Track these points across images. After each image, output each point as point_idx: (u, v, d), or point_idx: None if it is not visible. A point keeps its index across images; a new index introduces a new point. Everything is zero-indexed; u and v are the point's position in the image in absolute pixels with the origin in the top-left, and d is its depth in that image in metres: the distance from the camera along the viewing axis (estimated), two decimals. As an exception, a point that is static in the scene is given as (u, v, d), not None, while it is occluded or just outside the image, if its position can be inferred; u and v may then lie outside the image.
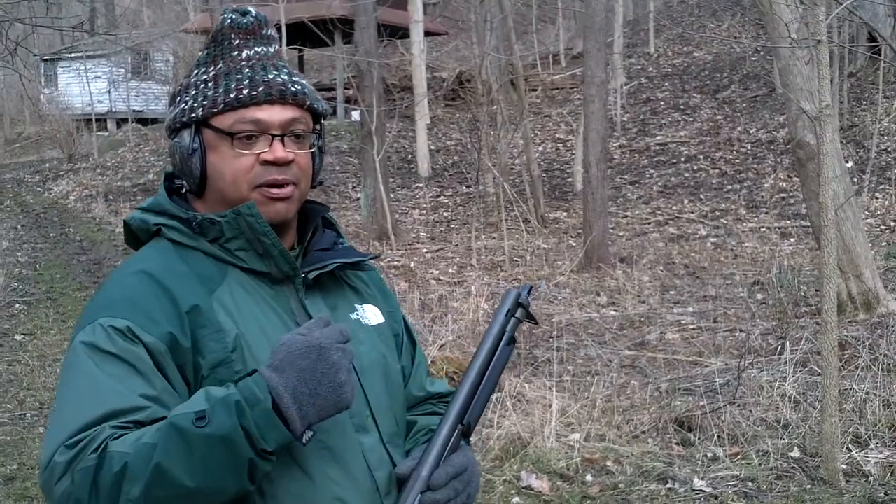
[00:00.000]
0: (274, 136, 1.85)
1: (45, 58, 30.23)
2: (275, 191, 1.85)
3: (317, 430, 1.68)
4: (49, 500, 1.67)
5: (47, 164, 25.27)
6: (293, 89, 1.88)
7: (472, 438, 6.47)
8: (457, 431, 1.88)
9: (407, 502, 1.81)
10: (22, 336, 10.12)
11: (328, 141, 24.16)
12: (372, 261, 2.10)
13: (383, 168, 15.96)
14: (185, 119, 1.87)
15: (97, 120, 27.54)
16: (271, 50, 1.93)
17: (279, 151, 1.85)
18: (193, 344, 1.76)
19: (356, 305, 2.01)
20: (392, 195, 17.78)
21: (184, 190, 1.94)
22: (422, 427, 2.06)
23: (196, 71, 1.92)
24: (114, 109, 30.28)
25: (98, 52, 28.40)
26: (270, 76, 1.87)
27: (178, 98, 1.91)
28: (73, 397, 1.70)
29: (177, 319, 1.76)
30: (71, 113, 27.57)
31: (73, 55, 29.75)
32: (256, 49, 1.91)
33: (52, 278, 13.19)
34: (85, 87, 27.33)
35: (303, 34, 21.96)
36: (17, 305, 11.58)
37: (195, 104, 1.87)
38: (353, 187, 19.79)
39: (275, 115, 1.85)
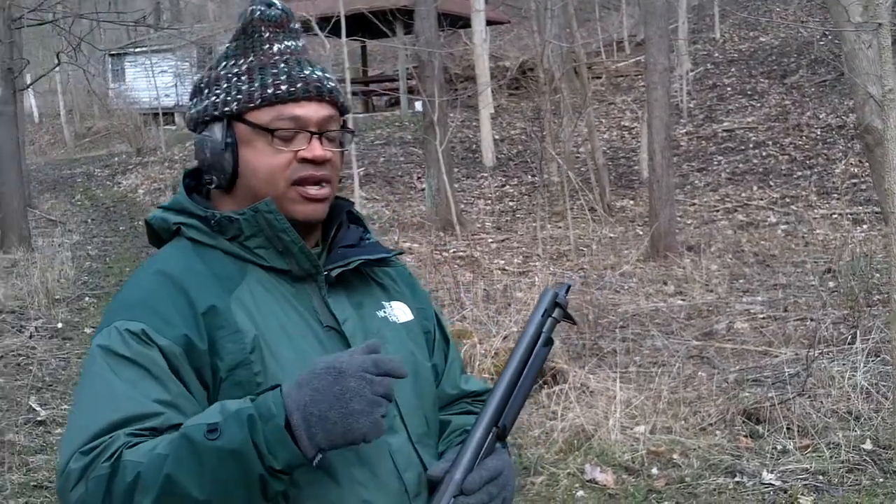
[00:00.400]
0: (312, 133, 1.82)
1: (112, 53, 30.59)
2: (313, 191, 1.83)
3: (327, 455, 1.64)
4: None
5: (116, 159, 25.61)
6: (328, 86, 1.85)
7: (536, 431, 6.43)
8: (492, 434, 1.83)
9: None
10: (91, 329, 10.23)
11: (392, 131, 24.24)
12: (399, 257, 2.05)
13: (447, 158, 15.91)
14: (216, 112, 1.84)
15: (164, 114, 27.87)
16: (300, 44, 1.90)
17: (318, 150, 1.82)
18: (210, 346, 1.73)
19: (383, 303, 1.96)
20: (457, 185, 17.74)
21: (212, 186, 1.88)
22: (456, 427, 2.02)
23: (225, 63, 1.88)
24: (180, 103, 30.57)
25: (163, 46, 28.68)
26: (306, 72, 1.84)
27: (207, 91, 1.87)
28: (88, 402, 1.69)
29: (192, 321, 1.74)
30: (138, 107, 27.94)
31: (138, 50, 30.11)
32: (286, 43, 1.87)
33: (121, 271, 13.33)
34: (151, 81, 27.63)
35: (363, 25, 21.95)
36: (87, 298, 11.72)
37: (228, 98, 1.83)
38: (418, 178, 19.78)
39: (312, 112, 1.82)
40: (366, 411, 1.59)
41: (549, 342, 1.90)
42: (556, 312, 1.92)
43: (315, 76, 1.84)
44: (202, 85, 1.89)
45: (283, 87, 1.81)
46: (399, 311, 1.98)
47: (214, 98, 1.84)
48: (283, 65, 1.83)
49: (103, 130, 30.43)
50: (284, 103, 1.81)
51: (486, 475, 1.79)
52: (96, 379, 1.70)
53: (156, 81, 27.36)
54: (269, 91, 1.81)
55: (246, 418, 1.57)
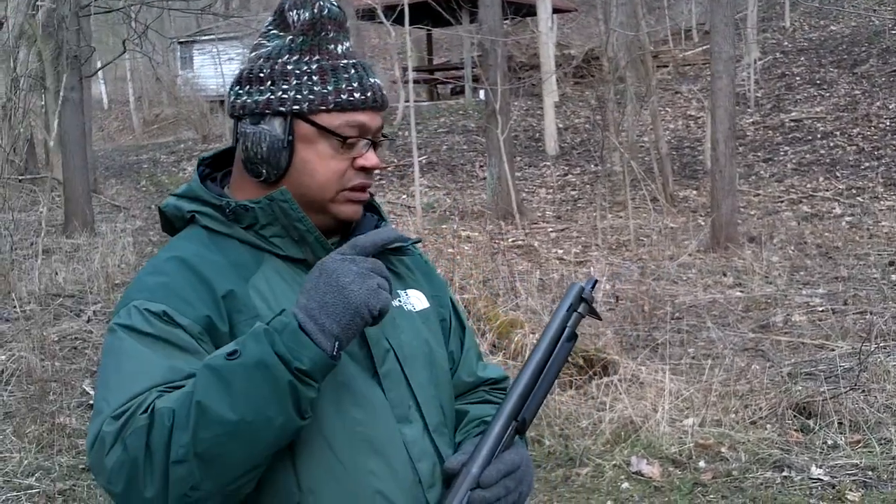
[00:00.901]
0: (370, 141, 1.84)
1: (181, 41, 30.92)
2: (359, 195, 1.85)
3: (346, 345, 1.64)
4: (100, 477, 1.63)
5: (182, 145, 25.89)
6: (384, 95, 1.87)
7: (584, 422, 6.40)
8: (511, 427, 1.82)
9: (455, 499, 1.76)
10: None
11: (455, 120, 24.24)
12: (418, 244, 2.04)
13: (508, 147, 15.87)
14: (282, 108, 1.80)
15: (231, 102, 28.14)
16: (352, 45, 1.90)
17: (375, 159, 1.85)
18: (230, 329, 1.73)
19: (398, 291, 1.94)
20: (518, 174, 17.70)
21: (260, 179, 1.85)
22: (474, 417, 2.00)
23: (289, 58, 1.82)
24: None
25: (231, 34, 28.89)
26: (373, 80, 1.85)
27: (271, 83, 1.81)
28: (115, 377, 1.68)
29: (213, 304, 1.74)
30: (205, 94, 28.21)
31: (206, 38, 30.37)
32: (346, 44, 1.87)
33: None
34: (218, 68, 27.88)
35: (427, 13, 21.95)
36: (147, 284, 11.85)
37: (299, 96, 1.79)
38: (480, 166, 19.76)
39: (373, 121, 1.84)
40: (356, 281, 1.62)
41: (573, 337, 1.89)
42: (582, 307, 1.90)
43: (378, 85, 1.85)
44: (263, 75, 1.83)
45: (357, 95, 1.80)
46: (415, 299, 1.98)
47: (281, 93, 1.80)
48: (353, 70, 1.82)
49: (171, 117, 30.77)
50: (354, 110, 1.81)
51: (503, 469, 1.78)
52: (122, 355, 1.69)
53: (223, 69, 27.62)
54: (344, 97, 1.80)
55: (262, 332, 1.58)
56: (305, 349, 1.57)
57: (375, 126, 1.84)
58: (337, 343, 1.60)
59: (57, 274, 11.49)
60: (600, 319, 2.06)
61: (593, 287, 1.93)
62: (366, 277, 1.63)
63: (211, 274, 1.76)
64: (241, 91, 1.85)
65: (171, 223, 1.93)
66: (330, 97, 1.79)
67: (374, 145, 1.85)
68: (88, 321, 9.59)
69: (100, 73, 24.25)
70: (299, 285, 1.77)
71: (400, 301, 1.94)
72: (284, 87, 1.80)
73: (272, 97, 1.81)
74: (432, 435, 1.86)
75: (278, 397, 1.56)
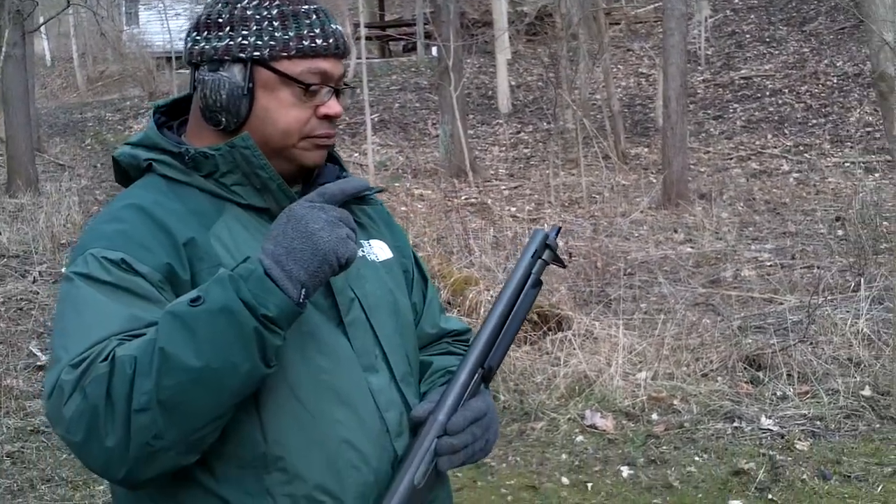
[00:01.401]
0: (333, 89, 1.83)
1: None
2: (324, 140, 1.82)
3: (313, 292, 1.64)
4: (58, 426, 1.60)
5: (128, 103, 25.52)
6: (346, 42, 1.85)
7: (538, 377, 6.49)
8: (477, 375, 1.83)
9: (423, 446, 1.77)
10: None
11: (408, 77, 24.15)
12: (378, 194, 2.04)
13: (461, 104, 15.86)
14: (242, 55, 1.78)
15: (177, 58, 27.70)
16: None
17: (337, 107, 1.83)
18: (192, 277, 1.71)
19: (362, 241, 1.93)
20: (471, 132, 17.69)
21: (219, 127, 1.83)
22: (438, 368, 2.01)
23: (248, 2, 1.79)
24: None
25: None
26: (334, 26, 1.82)
27: (230, 28, 1.78)
28: (74, 326, 1.65)
29: (174, 251, 1.71)
30: (151, 51, 27.80)
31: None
32: None
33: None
34: (165, 24, 27.48)
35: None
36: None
37: (259, 42, 1.77)
38: (433, 124, 19.72)
39: (335, 68, 1.82)
40: (325, 228, 1.61)
41: (537, 284, 1.89)
42: (546, 254, 1.91)
43: (340, 31, 1.83)
44: (221, 20, 1.79)
45: (319, 41, 1.78)
46: (378, 250, 1.97)
47: (241, 39, 1.78)
48: (314, 16, 1.80)
49: (116, 74, 30.30)
50: (316, 57, 1.79)
51: (470, 416, 1.79)
52: (81, 303, 1.66)
53: (169, 25, 27.20)
54: (306, 43, 1.77)
55: (227, 277, 1.57)
56: (271, 295, 1.56)
57: (337, 73, 1.82)
58: (304, 290, 1.60)
59: (0, 234, 11.32)
60: (564, 267, 2.06)
61: (557, 234, 1.93)
62: (335, 226, 1.63)
63: (171, 221, 1.73)
64: (198, 37, 1.82)
65: (126, 173, 1.89)
66: (291, 43, 1.77)
67: (337, 93, 1.84)
68: (34, 282, 9.49)
69: (43, 28, 23.75)
70: (262, 234, 1.75)
71: (364, 251, 1.93)
72: (244, 32, 1.77)
73: (231, 43, 1.78)
74: (399, 384, 1.87)
75: (244, 344, 1.55)
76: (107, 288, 1.66)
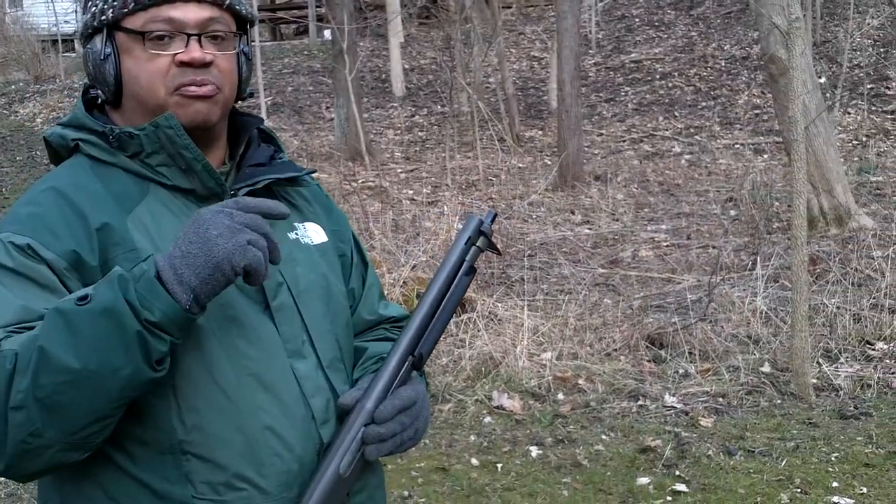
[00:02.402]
0: (190, 35, 1.73)
1: (9, -23, 29.67)
2: (193, 88, 1.73)
3: (209, 303, 1.58)
4: None
5: (13, 87, 24.85)
6: None
7: (444, 359, 6.49)
8: (407, 363, 1.79)
9: (349, 435, 1.73)
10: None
11: (300, 60, 23.93)
12: (311, 176, 1.98)
13: (356, 88, 15.77)
14: (95, 23, 1.75)
15: (63, 41, 27.04)
16: None
17: (195, 52, 1.73)
18: (102, 263, 1.66)
19: (295, 224, 1.89)
20: (366, 115, 17.60)
21: (99, 101, 1.81)
22: (372, 354, 1.97)
23: None
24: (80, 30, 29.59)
25: (63, -29, 27.83)
26: None
27: (89, 2, 1.78)
28: None
29: (84, 237, 1.67)
30: (36, 33, 27.07)
31: (36, -26, 29.17)
32: None
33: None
34: (50, 6, 26.81)
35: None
36: (-14, 230, 11.44)
37: (105, 6, 1.74)
38: (327, 108, 19.58)
39: (190, 13, 1.73)
40: (224, 235, 1.54)
41: (471, 271, 1.85)
42: (481, 241, 1.86)
43: None
44: None
45: None
46: (312, 233, 1.92)
47: (94, 8, 1.76)
48: None
49: (0, 58, 29.53)
50: (159, 6, 1.72)
51: (398, 404, 1.75)
52: None
53: (55, 7, 26.55)
54: None
55: (116, 278, 1.52)
56: (158, 300, 1.50)
57: (198, 18, 1.74)
58: (194, 296, 1.54)
59: None
60: (500, 254, 2.05)
61: (493, 220, 1.90)
62: (236, 232, 1.55)
63: (86, 205, 1.69)
64: (78, 18, 1.81)
65: (58, 153, 1.85)
66: None
67: (204, 38, 1.75)
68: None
69: (-78, 10, 23.02)
70: (187, 217, 1.70)
71: (297, 234, 1.88)
72: (97, 2, 1.76)
73: (89, 15, 1.77)
74: (326, 370, 1.82)
75: (125, 347, 1.50)
76: (7, 275, 1.62)
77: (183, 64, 1.72)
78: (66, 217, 1.67)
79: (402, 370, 1.78)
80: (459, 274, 1.84)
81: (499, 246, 1.97)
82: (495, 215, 1.93)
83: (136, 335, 1.49)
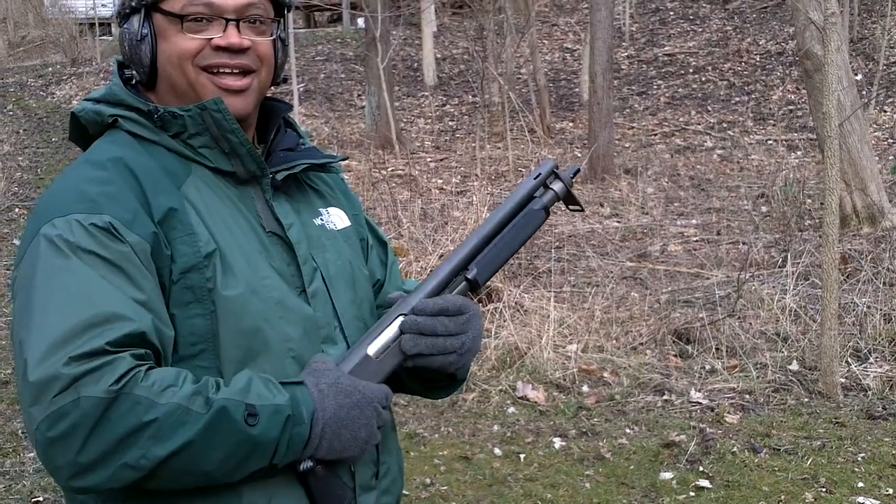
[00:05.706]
0: (228, 20, 1.72)
1: (47, -40, 29.78)
2: (229, 80, 1.72)
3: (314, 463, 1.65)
4: (36, 405, 1.47)
5: (50, 69, 24.99)
6: None
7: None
8: (461, 279, 1.77)
9: (386, 321, 1.74)
10: (20, 240, 10.10)
11: (333, 48, 23.93)
12: (339, 163, 1.97)
13: (388, 76, 15.76)
14: (133, 4, 1.73)
15: (100, 24, 27.17)
16: None
17: (233, 37, 1.72)
18: (168, 248, 1.63)
19: (320, 209, 1.89)
20: (397, 104, 17.59)
21: (135, 81, 1.78)
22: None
23: None
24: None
25: (100, -46, 27.93)
26: None
27: None
28: (55, 297, 1.52)
29: (154, 219, 1.63)
30: (74, 16, 27.19)
31: (74, -43, 29.28)
32: None
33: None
34: (87, -10, 26.95)
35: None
36: (17, 210, 11.54)
37: None
38: (359, 95, 19.59)
39: (227, 0, 1.72)
40: (366, 440, 1.65)
41: (545, 209, 1.81)
42: (558, 187, 1.82)
43: None
44: None
45: None
46: (336, 218, 1.92)
47: None
48: None
49: (38, 40, 29.67)
50: None
51: (441, 304, 1.73)
52: (62, 273, 1.53)
53: (92, -10, 26.70)
54: None
55: (285, 419, 1.57)
56: (294, 454, 1.59)
57: (234, 4, 1.72)
58: (311, 463, 1.63)
59: (-80, 201, 11.06)
60: (582, 210, 1.96)
61: (575, 174, 1.84)
62: (372, 438, 1.66)
63: (148, 183, 1.65)
64: (116, 1, 1.79)
65: (84, 130, 1.80)
66: None
67: (243, 24, 1.74)
68: (-43, 248, 9.30)
69: (-40, -9, 23.17)
70: (228, 198, 1.72)
71: (322, 220, 1.88)
72: None
73: None
74: None
75: (247, 470, 1.57)
76: (92, 258, 1.55)
77: (219, 49, 1.72)
78: (137, 196, 1.63)
79: (453, 281, 1.78)
80: (528, 207, 1.81)
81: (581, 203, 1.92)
82: (578, 170, 1.89)
83: (267, 463, 1.57)
